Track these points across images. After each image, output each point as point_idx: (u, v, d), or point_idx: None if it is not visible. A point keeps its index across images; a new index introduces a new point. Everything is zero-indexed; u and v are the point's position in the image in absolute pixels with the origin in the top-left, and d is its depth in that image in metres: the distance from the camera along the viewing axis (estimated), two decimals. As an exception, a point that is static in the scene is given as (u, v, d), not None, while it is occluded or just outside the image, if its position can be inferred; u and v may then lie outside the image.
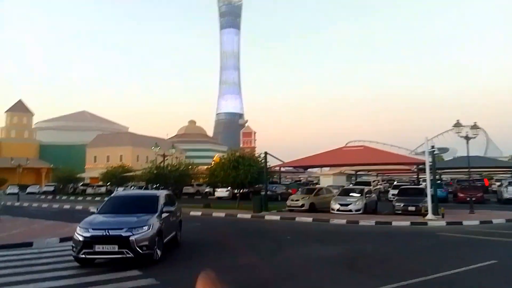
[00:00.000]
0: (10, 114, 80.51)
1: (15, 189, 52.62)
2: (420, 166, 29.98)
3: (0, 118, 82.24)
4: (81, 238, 8.60)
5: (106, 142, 77.91)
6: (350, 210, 19.84)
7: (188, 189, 43.65)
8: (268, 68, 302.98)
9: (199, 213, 22.49)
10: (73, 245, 8.76)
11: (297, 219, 18.83)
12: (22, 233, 13.90)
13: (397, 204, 19.79)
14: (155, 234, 8.99)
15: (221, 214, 21.79)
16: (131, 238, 8.47)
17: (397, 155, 24.68)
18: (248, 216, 20.63)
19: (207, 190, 44.68)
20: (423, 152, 19.40)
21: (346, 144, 29.29)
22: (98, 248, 8.46)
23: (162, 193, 11.15)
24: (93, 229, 8.72)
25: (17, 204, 34.46)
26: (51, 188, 59.04)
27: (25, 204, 34.07)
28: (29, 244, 11.87)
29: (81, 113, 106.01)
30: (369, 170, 45.35)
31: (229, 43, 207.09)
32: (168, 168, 31.92)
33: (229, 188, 34.08)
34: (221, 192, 37.96)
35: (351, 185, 34.84)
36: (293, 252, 10.72)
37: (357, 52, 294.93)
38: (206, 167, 43.68)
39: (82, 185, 57.69)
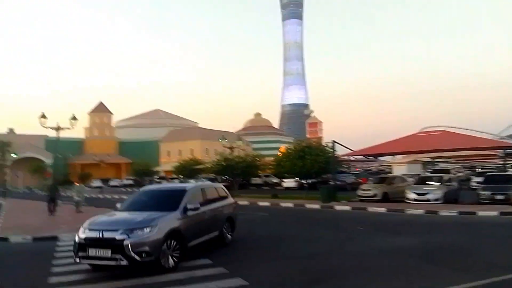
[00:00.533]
0: (93, 115, 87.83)
1: (99, 183, 57.42)
2: (508, 151, 27.00)
3: (84, 119, 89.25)
4: (76, 239, 7.43)
5: (178, 137, 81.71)
6: (428, 200, 18.43)
7: (256, 180, 44.11)
8: (333, 57, 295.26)
9: (267, 204, 22.48)
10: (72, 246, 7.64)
11: (369, 209, 17.94)
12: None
13: (482, 192, 17.95)
14: (163, 238, 7.34)
15: (289, 204, 21.55)
16: (125, 242, 6.92)
17: (481, 139, 22.31)
18: (317, 206, 20.15)
19: (274, 180, 44.76)
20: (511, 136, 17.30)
21: (420, 130, 27.33)
22: (92, 252, 7.12)
23: (194, 187, 9.64)
24: (89, 229, 7.43)
25: (101, 196, 37.35)
26: (131, 182, 63.42)
27: (108, 196, 36.81)
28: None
29: (155, 111, 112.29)
30: (447, 157, 42.09)
31: (292, 34, 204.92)
32: (236, 159, 32.35)
33: (296, 178, 33.71)
34: (289, 182, 37.72)
35: (428, 173, 32.58)
36: (366, 243, 10.11)
37: (426, 35, 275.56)
38: (272, 158, 43.76)
39: (158, 178, 61.05)
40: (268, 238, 11.47)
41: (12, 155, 66.69)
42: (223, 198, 10.32)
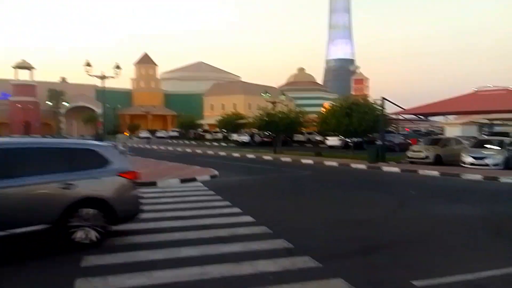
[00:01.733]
0: (139, 66, 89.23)
1: (147, 134, 59.36)
2: None
3: (130, 71, 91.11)
4: None
5: (221, 91, 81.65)
6: (487, 165, 17.05)
7: (299, 137, 43.47)
8: (382, 9, 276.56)
9: (310, 162, 21.96)
10: None
11: (420, 172, 16.91)
12: (149, 173, 15.07)
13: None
14: None
15: (334, 163, 20.87)
16: None
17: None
18: (363, 166, 19.35)
19: (318, 138, 43.88)
20: None
21: (475, 91, 24.94)
22: None
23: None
24: None
25: (148, 146, 38.53)
26: (176, 134, 65.05)
27: (155, 147, 37.91)
28: (153, 184, 12.75)
29: (198, 64, 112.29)
30: (506, 119, 38.88)
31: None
32: (278, 115, 31.69)
33: (341, 136, 32.69)
34: (333, 140, 36.72)
35: (484, 135, 30.31)
36: (420, 210, 9.37)
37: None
38: (316, 115, 42.57)
39: (202, 131, 62.05)
40: (312, 200, 11.04)
41: (65, 103, 70.03)
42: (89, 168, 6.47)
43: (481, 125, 41.19)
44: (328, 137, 37.87)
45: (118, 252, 5.74)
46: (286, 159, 23.67)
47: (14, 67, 73.74)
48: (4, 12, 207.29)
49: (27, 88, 73.41)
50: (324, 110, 31.18)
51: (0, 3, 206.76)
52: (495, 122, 39.33)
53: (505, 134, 28.63)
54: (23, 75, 75.22)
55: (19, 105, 71.22)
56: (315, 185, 13.97)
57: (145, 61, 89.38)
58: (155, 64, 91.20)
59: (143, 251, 5.81)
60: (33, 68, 75.22)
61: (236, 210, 8.89)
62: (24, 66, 74.35)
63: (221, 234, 6.80)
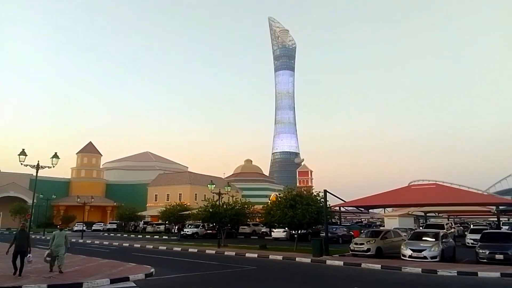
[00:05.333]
0: (81, 155, 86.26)
1: (81, 226, 55.18)
2: (502, 207, 26.51)
3: (72, 160, 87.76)
4: None
5: (167, 181, 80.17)
6: (425, 257, 17.47)
7: (244, 229, 42.67)
8: (324, 107, 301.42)
9: (255, 255, 21.23)
10: None
11: (363, 265, 16.88)
12: (75, 272, 13.62)
13: (481, 251, 17.07)
14: None
15: (279, 257, 20.35)
16: None
17: (478, 194, 21.88)
18: (307, 260, 19.01)
19: (263, 230, 43.34)
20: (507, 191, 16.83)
21: (409, 184, 26.87)
22: None
23: None
24: None
25: (80, 241, 35.49)
26: (114, 226, 61.23)
27: (88, 241, 35.00)
28: (79, 285, 11.42)
29: (144, 154, 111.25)
30: (439, 211, 41.39)
31: (284, 84, 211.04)
32: (224, 206, 31.27)
33: (286, 228, 32.54)
34: (278, 232, 36.42)
35: (420, 227, 31.68)
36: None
37: (414, 87, 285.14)
38: (262, 206, 42.62)
39: (144, 223, 58.94)
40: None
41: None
42: None
43: (416, 217, 43.37)
44: (273, 229, 37.55)
45: None
46: (230, 253, 22.76)
47: None
48: None
49: None
50: (270, 201, 31.38)
51: None
52: (429, 214, 41.68)
53: (440, 226, 30.16)
54: None
55: None
56: (258, 282, 13.29)
57: (89, 150, 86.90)
58: (99, 154, 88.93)
59: None
60: None
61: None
62: None
63: None
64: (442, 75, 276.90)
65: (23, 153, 19.49)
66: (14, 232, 12.69)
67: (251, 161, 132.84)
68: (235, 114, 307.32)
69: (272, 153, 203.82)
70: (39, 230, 44.32)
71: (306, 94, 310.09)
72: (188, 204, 57.96)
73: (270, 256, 20.67)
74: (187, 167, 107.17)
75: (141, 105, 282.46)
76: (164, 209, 50.86)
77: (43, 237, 26.53)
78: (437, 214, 43.88)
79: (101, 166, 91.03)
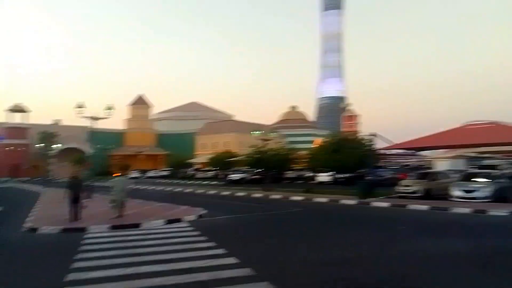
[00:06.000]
0: (133, 107, 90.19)
1: (137, 174, 58.91)
2: None
3: (125, 112, 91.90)
4: None
5: (213, 129, 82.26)
6: (475, 198, 17.03)
7: (289, 174, 43.35)
8: (372, 49, 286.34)
9: (300, 198, 21.77)
10: None
11: (409, 206, 16.80)
12: (134, 214, 14.77)
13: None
14: None
15: (323, 199, 20.72)
16: None
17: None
18: (353, 202, 19.20)
19: (308, 174, 43.82)
20: None
21: (464, 125, 25.34)
22: None
23: None
24: None
25: (136, 187, 37.98)
26: (166, 173, 64.60)
27: (143, 187, 37.42)
28: (137, 226, 12.45)
29: (192, 104, 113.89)
30: (494, 152, 39.37)
31: (331, 25, 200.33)
32: (269, 152, 31.76)
33: (331, 172, 32.69)
34: (323, 176, 36.66)
35: (473, 168, 30.46)
36: (410, 246, 9.20)
37: (466, 25, 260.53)
38: (307, 152, 42.75)
39: (193, 169, 61.66)
40: (300, 239, 10.80)
41: (56, 145, 69.79)
42: None
43: (469, 159, 41.52)
44: (318, 173, 37.84)
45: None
46: (276, 196, 23.47)
47: (7, 111, 75.18)
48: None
49: (18, 131, 74.51)
50: (315, 146, 31.43)
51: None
52: (483, 155, 39.76)
53: (493, 167, 28.79)
54: (17, 118, 76.66)
55: (8, 148, 71.49)
56: (304, 223, 13.75)
57: (140, 103, 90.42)
58: (149, 105, 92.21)
59: (117, 299, 5.53)
60: (27, 111, 76.68)
61: (221, 251, 8.64)
62: (17, 109, 75.70)
63: (203, 278, 6.56)
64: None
65: (80, 106, 20.61)
66: (68, 180, 13.66)
67: (296, 107, 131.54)
68: (280, 60, 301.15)
69: (318, 98, 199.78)
70: (98, 178, 47.77)
71: (354, 34, 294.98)
72: (235, 151, 59.46)
73: (315, 199, 21.09)
74: (233, 116, 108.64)
75: (189, 56, 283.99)
76: (212, 156, 52.68)
77: (102, 184, 28.60)
78: (492, 155, 41.79)
79: (152, 117, 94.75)
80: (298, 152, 40.98)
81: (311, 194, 23.05)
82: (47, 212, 16.00)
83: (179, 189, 33.59)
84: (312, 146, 49.04)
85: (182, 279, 6.55)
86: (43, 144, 70.27)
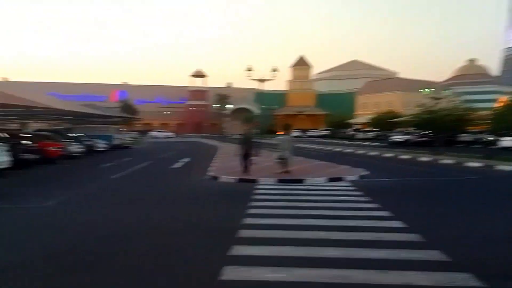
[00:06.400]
0: (294, 68, 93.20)
1: (298, 133, 61.45)
2: None
3: (287, 73, 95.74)
4: None
5: (375, 88, 78.44)
6: None
7: (464, 137, 38.31)
8: None
9: (477, 165, 19.08)
10: None
11: None
12: (297, 170, 15.50)
13: None
14: None
15: (508, 167, 17.64)
16: None
17: None
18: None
19: (488, 138, 37.83)
20: None
21: None
22: None
23: None
24: None
25: (297, 145, 39.66)
26: (326, 133, 65.39)
27: (304, 146, 38.83)
28: (300, 181, 13.05)
29: (352, 62, 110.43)
30: None
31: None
32: (441, 112, 28.40)
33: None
34: (508, 141, 31.12)
35: None
36: None
37: None
38: (488, 111, 36.86)
39: (353, 130, 60.73)
40: (476, 210, 9.57)
41: (229, 106, 78.41)
42: None
43: None
44: (502, 137, 32.28)
45: (263, 245, 6.03)
46: (447, 161, 21.16)
47: (190, 76, 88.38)
48: (179, 27, 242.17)
49: (200, 93, 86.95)
50: (499, 105, 26.70)
51: (179, 22, 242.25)
52: None
53: None
54: (199, 82, 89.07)
55: (193, 108, 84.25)
56: (481, 192, 12.07)
57: (300, 64, 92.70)
58: (310, 66, 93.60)
59: (286, 246, 5.97)
60: (205, 76, 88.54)
61: (385, 213, 8.36)
62: (198, 74, 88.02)
63: (367, 238, 6.49)
64: None
65: (249, 69, 22.25)
66: (239, 137, 14.90)
67: (475, 60, 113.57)
68: (453, 4, 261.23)
69: (503, 49, 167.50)
70: (264, 136, 51.67)
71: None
72: (398, 111, 55.65)
73: (497, 167, 18.16)
74: (397, 73, 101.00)
75: (349, 13, 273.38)
76: (373, 116, 50.59)
77: (268, 142, 30.78)
78: None
79: (312, 78, 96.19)
80: (477, 112, 35.53)
81: (492, 161, 19.95)
82: (224, 164, 18.22)
83: (338, 148, 33.65)
84: (495, 105, 41.92)
85: (346, 236, 6.62)
86: (219, 105, 79.81)
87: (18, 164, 15.49)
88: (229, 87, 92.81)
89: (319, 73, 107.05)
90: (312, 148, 36.10)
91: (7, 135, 18.43)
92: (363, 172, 15.21)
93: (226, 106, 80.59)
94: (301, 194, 10.83)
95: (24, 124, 31.07)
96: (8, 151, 14.80)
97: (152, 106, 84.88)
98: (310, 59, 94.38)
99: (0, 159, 14.12)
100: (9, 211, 8.87)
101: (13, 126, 31.55)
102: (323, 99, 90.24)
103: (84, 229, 7.22)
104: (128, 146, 35.40)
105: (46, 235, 6.83)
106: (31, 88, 55.43)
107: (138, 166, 19.39)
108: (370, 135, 53.26)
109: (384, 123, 49.22)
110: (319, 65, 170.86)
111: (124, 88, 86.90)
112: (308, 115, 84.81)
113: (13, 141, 16.52)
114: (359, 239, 6.41)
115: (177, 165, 20.07)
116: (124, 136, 35.64)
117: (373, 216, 8.09)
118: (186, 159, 23.17)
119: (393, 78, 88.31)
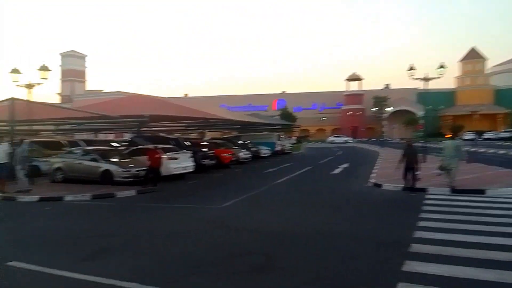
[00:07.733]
0: (464, 63, 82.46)
1: (471, 135, 54.13)
2: None
3: (454, 69, 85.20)
4: None
5: None
6: None
7: None
8: None
9: None
10: None
11: None
12: (475, 179, 13.66)
13: None
14: None
15: None
16: None
17: None
18: None
19: None
20: None
21: None
22: None
23: None
24: None
25: (473, 149, 34.86)
26: (508, 134, 55.85)
27: (481, 150, 33.89)
28: (481, 192, 11.42)
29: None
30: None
31: None
32: None
33: None
34: None
35: None
36: None
37: None
38: None
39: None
40: None
41: (388, 108, 74.40)
42: None
43: None
44: None
45: (440, 263, 5.49)
46: None
47: (345, 80, 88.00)
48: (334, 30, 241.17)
49: (355, 97, 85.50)
50: None
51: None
52: None
53: None
54: (354, 86, 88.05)
55: (348, 113, 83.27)
56: None
57: (472, 56, 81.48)
58: (484, 58, 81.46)
59: (470, 267, 5.30)
60: (361, 79, 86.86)
61: None
62: (353, 78, 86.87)
63: None
64: None
65: (412, 68, 20.80)
66: (403, 149, 12.85)
67: None
68: None
69: None
70: (429, 140, 47.15)
71: None
72: None
73: None
74: None
75: None
76: None
77: (434, 146, 28.03)
78: None
79: (487, 71, 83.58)
80: None
81: None
82: (386, 171, 17.30)
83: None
84: None
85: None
86: (376, 108, 76.56)
87: (199, 168, 18.00)
88: (386, 88, 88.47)
89: (495, 66, 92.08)
90: (492, 153, 31.23)
91: (190, 143, 21.56)
92: None
93: (385, 109, 76.73)
94: (482, 207, 9.48)
95: (202, 133, 35.94)
96: (191, 157, 17.35)
97: (309, 112, 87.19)
98: (483, 50, 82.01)
99: (186, 164, 16.66)
100: (198, 210, 10.33)
101: (193, 135, 36.84)
102: (502, 95, 77.16)
103: (257, 228, 7.89)
104: (289, 152, 37.08)
105: (229, 235, 7.69)
106: (205, 102, 63.68)
107: (299, 171, 20.13)
108: None
109: None
110: (495, 57, 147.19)
111: (283, 97, 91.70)
112: (483, 115, 73.81)
113: (194, 149, 19.29)
114: None
115: (337, 171, 20.06)
116: (284, 143, 37.51)
117: None
118: (345, 165, 22.96)
119: None
